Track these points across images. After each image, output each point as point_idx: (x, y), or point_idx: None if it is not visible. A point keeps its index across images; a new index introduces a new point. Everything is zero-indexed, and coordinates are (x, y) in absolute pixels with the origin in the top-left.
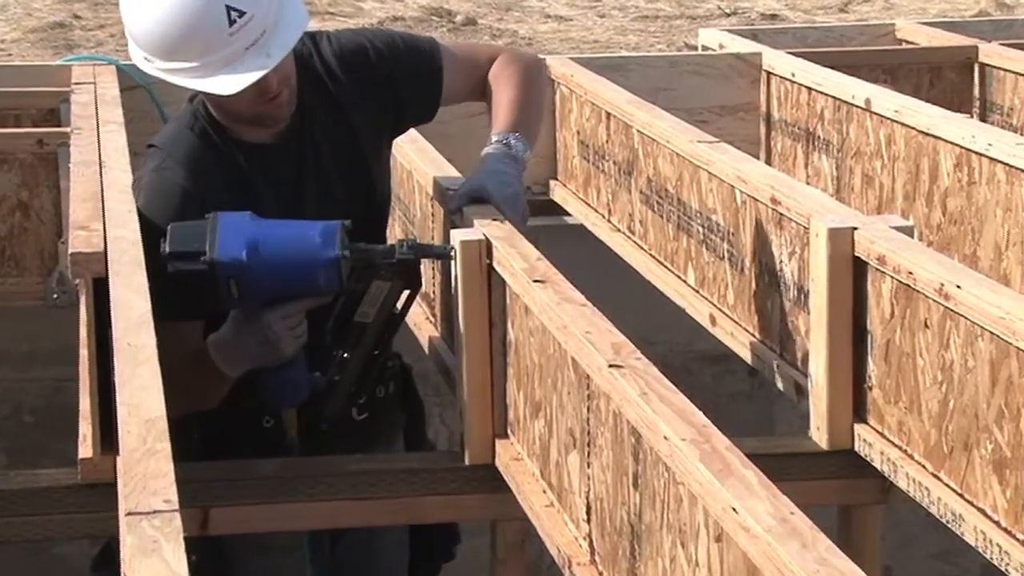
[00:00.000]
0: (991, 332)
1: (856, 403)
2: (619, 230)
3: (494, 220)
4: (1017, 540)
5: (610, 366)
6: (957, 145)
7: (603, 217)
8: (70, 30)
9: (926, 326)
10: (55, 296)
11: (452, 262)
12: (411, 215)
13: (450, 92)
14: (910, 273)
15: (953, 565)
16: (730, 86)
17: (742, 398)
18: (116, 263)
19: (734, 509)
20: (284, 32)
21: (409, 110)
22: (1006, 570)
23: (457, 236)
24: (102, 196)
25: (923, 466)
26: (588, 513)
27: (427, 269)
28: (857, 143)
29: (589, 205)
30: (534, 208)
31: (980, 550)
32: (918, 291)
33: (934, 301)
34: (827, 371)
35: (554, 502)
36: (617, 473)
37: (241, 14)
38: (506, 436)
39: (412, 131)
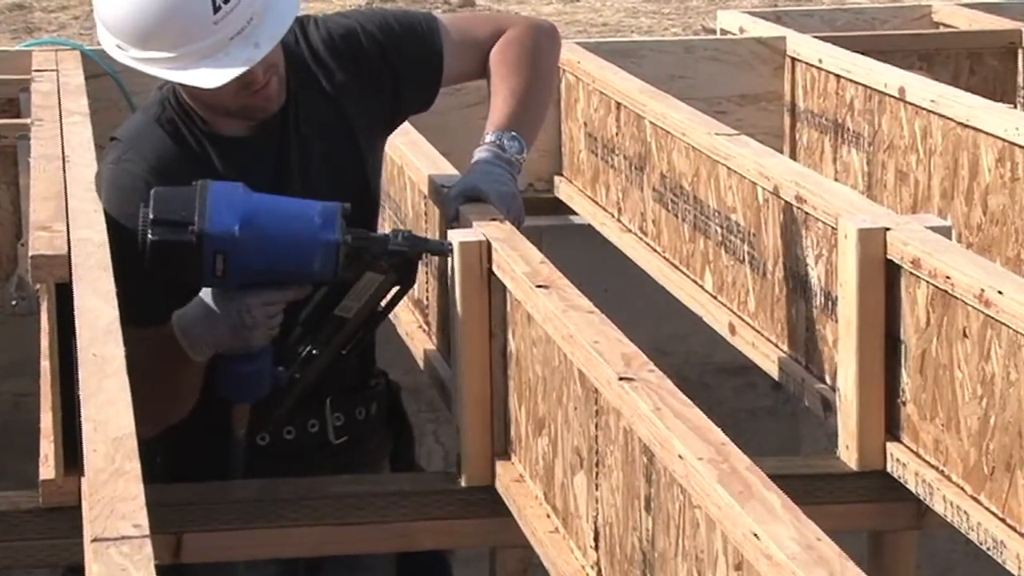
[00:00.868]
0: None
1: (888, 420)
2: (630, 231)
3: (493, 220)
4: None
5: (620, 379)
6: (999, 138)
7: (612, 216)
8: (30, 12)
9: (965, 335)
10: (13, 303)
11: (449, 263)
12: (402, 214)
13: (451, 74)
14: (947, 278)
15: None
16: (751, 73)
17: (764, 414)
18: (81, 267)
19: (755, 535)
20: (273, 20)
21: (406, 96)
22: None
23: (456, 237)
24: (65, 194)
25: (962, 488)
26: (596, 539)
27: (420, 273)
28: (890, 136)
29: (597, 203)
30: (537, 206)
31: None
32: (956, 297)
33: (974, 308)
34: (857, 385)
35: (559, 527)
36: (628, 496)
37: (227, 0)
38: (507, 456)
39: (404, 123)
